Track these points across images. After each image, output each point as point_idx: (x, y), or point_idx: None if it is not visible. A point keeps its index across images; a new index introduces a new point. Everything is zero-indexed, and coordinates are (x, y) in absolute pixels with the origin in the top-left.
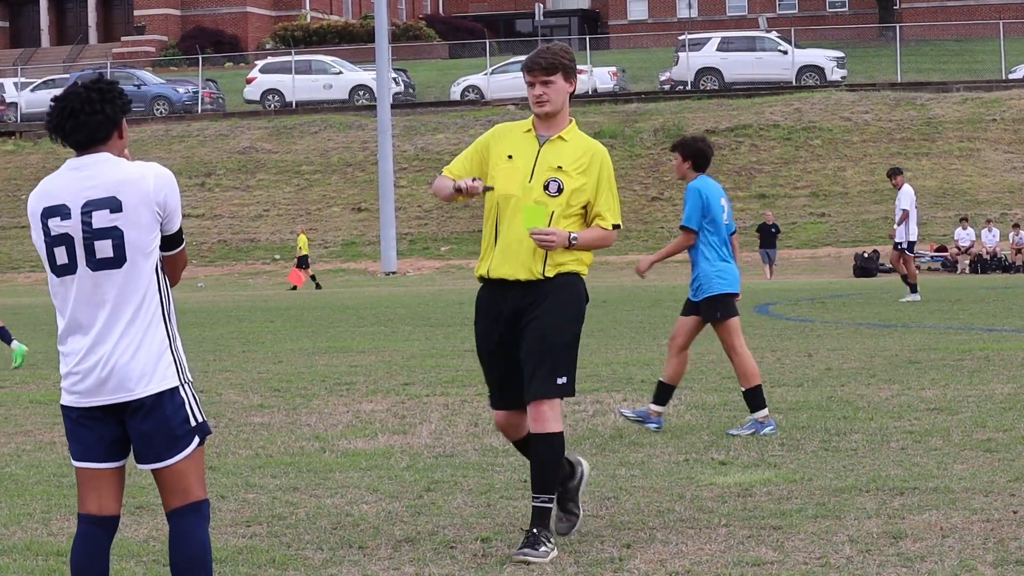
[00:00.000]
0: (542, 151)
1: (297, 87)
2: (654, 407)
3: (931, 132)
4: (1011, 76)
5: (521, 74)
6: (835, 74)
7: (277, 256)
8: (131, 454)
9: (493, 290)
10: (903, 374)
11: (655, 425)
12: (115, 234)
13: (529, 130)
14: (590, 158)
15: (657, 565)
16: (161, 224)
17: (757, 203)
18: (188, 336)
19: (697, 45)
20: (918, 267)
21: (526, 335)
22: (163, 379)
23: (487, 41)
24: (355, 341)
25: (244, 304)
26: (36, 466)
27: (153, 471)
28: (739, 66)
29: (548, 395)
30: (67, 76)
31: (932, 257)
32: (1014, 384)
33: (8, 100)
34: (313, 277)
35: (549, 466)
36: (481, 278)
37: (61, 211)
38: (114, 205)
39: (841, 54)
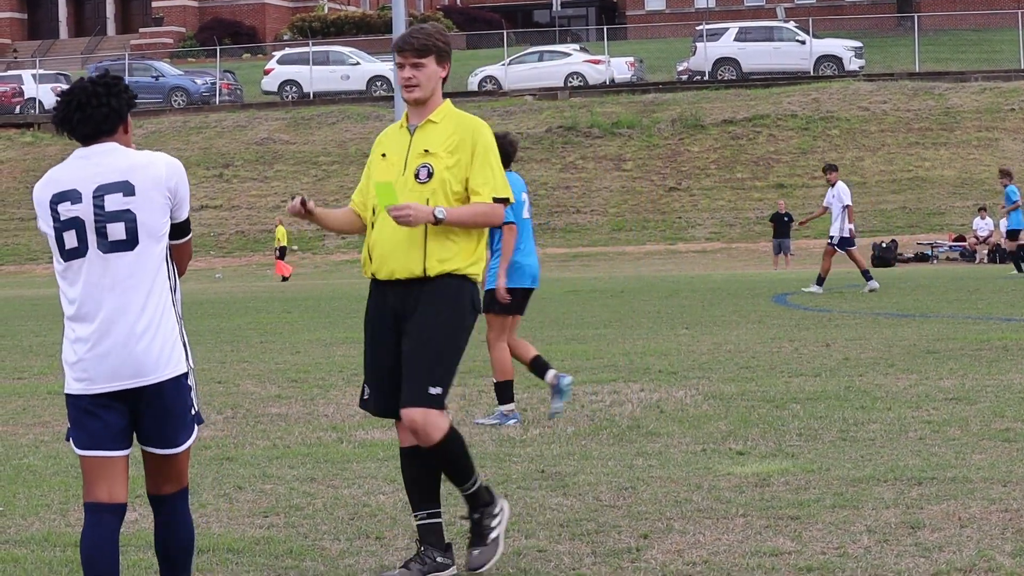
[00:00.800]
0: (413, 140)
1: (315, 78)
2: (505, 407)
3: (949, 122)
4: None
5: (538, 64)
6: (853, 64)
7: (295, 247)
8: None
9: (376, 290)
10: (921, 364)
11: (514, 420)
12: (128, 216)
13: (403, 125)
14: (461, 135)
15: (675, 555)
16: (171, 210)
17: (775, 193)
18: (205, 327)
19: (715, 35)
20: (936, 257)
21: (404, 340)
22: (177, 364)
23: (504, 32)
24: None
25: (262, 295)
26: (54, 457)
27: (153, 456)
28: (757, 56)
29: (418, 404)
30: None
31: (951, 247)
32: None
33: (27, 94)
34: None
35: (449, 468)
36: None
37: (71, 196)
38: (127, 189)
39: (859, 44)
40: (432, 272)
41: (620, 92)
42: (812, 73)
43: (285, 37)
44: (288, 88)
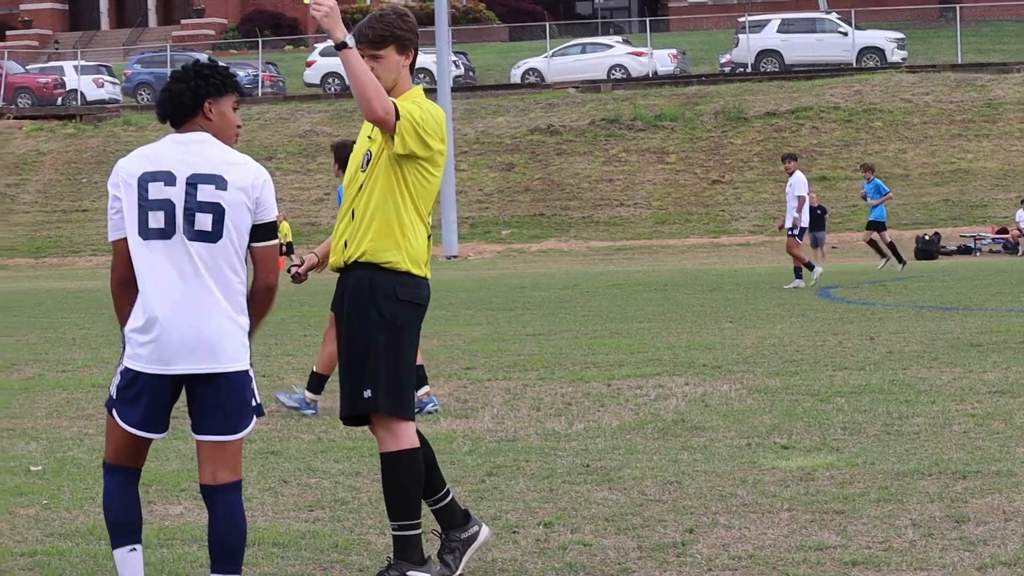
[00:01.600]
0: (373, 129)
1: None
2: (310, 395)
3: (992, 113)
4: None
5: (581, 56)
6: (895, 55)
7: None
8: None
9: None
10: (965, 357)
11: (312, 411)
12: (217, 210)
13: None
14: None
15: (720, 550)
16: (254, 212)
17: (818, 186)
18: None
19: (757, 27)
20: (979, 249)
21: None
22: (246, 354)
23: (547, 24)
24: None
25: (306, 288)
26: (98, 450)
27: (211, 444)
28: (799, 48)
29: (355, 411)
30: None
31: (993, 239)
32: None
33: (69, 85)
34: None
35: (391, 491)
36: None
37: (165, 177)
38: (219, 183)
39: (901, 35)
40: (349, 259)
41: (663, 84)
42: (855, 65)
43: None
44: (330, 80)
